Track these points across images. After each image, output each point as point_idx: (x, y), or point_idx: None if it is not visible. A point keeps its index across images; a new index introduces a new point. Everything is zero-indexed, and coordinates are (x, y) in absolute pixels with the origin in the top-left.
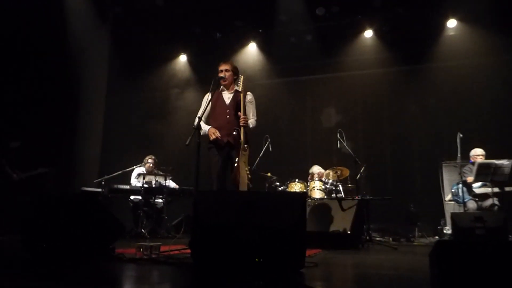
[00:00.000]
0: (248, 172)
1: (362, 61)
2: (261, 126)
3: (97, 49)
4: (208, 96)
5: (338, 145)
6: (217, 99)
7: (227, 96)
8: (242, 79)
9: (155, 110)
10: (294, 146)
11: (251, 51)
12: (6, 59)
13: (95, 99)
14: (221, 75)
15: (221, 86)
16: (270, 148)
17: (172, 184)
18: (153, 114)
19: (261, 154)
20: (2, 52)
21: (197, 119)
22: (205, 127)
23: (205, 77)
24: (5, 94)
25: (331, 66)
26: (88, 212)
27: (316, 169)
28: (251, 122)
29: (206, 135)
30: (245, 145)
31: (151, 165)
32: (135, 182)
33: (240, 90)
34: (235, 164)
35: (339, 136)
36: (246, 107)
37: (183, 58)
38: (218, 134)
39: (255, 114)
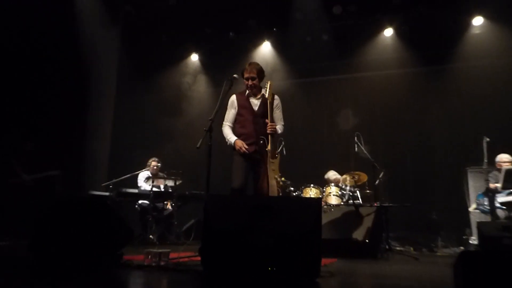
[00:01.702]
0: (279, 179)
1: (381, 61)
2: None
3: (107, 49)
4: (234, 100)
5: (356, 148)
6: (244, 105)
7: (255, 103)
8: (269, 85)
9: (165, 111)
10: (309, 149)
11: (265, 50)
12: (16, 59)
13: (104, 100)
14: (248, 83)
15: (247, 91)
16: (284, 152)
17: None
18: (163, 115)
19: None
20: (13, 53)
21: (210, 122)
22: (231, 137)
23: (217, 77)
24: (15, 95)
25: (349, 66)
26: (96, 216)
27: (331, 174)
28: (279, 128)
29: (229, 143)
30: (276, 153)
31: (155, 167)
32: (144, 185)
33: (267, 96)
34: (263, 173)
35: (357, 139)
36: (274, 113)
37: (194, 58)
38: (245, 147)
39: (282, 119)
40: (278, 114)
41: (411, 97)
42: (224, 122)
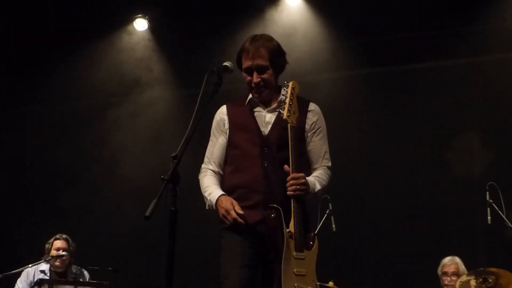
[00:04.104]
0: None
1: None
2: None
3: None
4: (223, 116)
5: (489, 218)
6: (243, 124)
7: (266, 119)
8: (290, 87)
9: (77, 137)
10: (387, 217)
11: (292, 9)
12: None
13: None
14: (252, 80)
15: (249, 96)
16: (334, 226)
17: None
18: (71, 147)
19: None
20: None
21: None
22: (212, 192)
23: (188, 66)
24: None
25: (465, 41)
26: None
27: (448, 263)
28: (317, 181)
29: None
30: (311, 239)
31: (58, 260)
32: None
33: (285, 111)
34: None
35: (490, 197)
36: (310, 143)
37: (140, 26)
38: (237, 213)
39: (327, 155)
40: (317, 146)
41: None
42: (203, 165)
